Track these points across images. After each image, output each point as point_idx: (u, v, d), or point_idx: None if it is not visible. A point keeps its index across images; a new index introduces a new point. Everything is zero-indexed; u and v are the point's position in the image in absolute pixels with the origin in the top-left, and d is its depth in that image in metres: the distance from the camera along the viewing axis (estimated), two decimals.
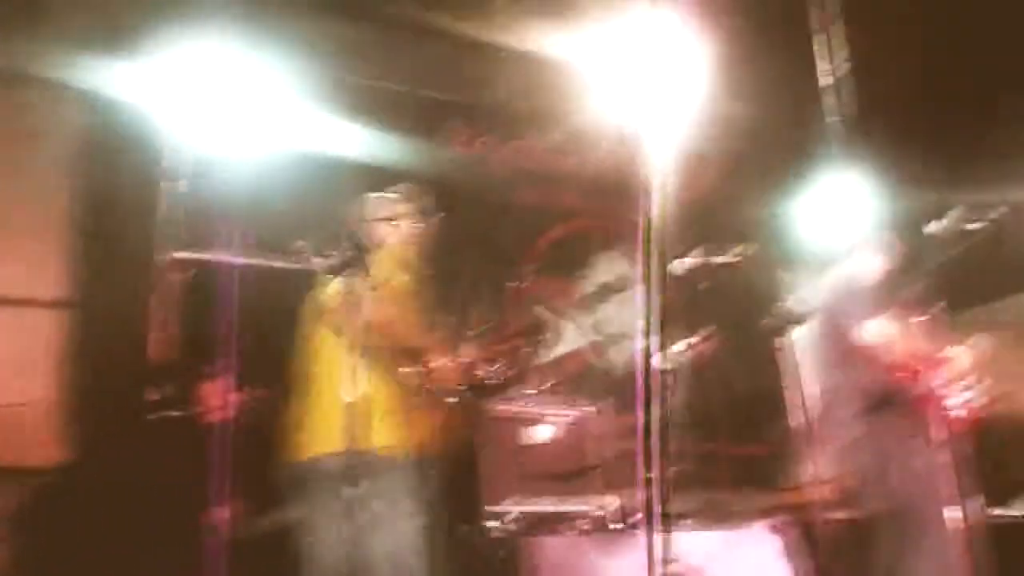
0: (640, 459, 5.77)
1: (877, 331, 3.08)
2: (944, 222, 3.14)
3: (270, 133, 5.29)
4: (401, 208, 3.67)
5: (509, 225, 6.23)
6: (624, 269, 6.55)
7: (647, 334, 6.15)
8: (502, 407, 4.27)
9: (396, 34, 6.27)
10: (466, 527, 4.04)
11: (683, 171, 6.85)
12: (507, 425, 4.16)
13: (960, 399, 3.21)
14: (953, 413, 3.14)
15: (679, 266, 3.40)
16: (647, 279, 3.56)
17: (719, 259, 3.30)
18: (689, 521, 4.48)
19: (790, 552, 3.23)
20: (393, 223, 3.74)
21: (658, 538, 4.05)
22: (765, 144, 7.23)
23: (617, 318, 6.36)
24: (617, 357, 6.31)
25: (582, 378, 6.14)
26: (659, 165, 6.83)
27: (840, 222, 4.17)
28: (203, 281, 4.95)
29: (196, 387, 5.20)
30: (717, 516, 5.18)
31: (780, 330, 2.98)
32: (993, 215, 3.11)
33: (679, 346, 3.36)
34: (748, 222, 7.01)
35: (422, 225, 3.73)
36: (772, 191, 7.01)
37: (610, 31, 6.04)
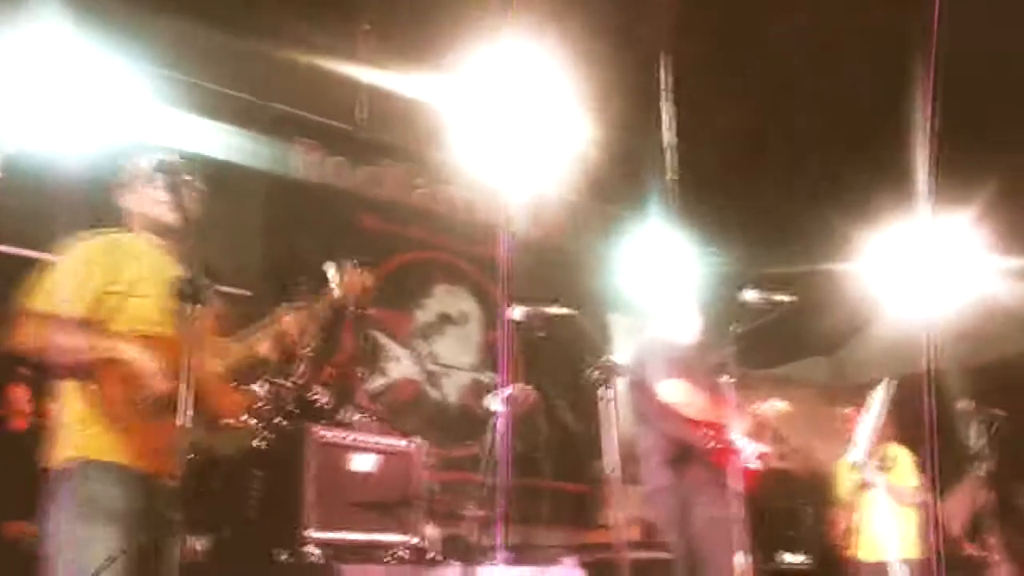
0: (462, 493, 5.89)
1: (674, 390, 3.34)
2: (754, 292, 3.44)
3: (108, 127, 5.13)
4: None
5: (351, 250, 6.24)
6: (463, 303, 6.70)
7: (486, 371, 6.29)
8: (329, 432, 4.28)
9: (257, 44, 6.22)
10: (282, 552, 4.01)
11: (531, 214, 7.13)
12: (333, 451, 4.17)
13: (755, 454, 3.51)
14: (749, 467, 3.43)
15: (518, 312, 3.55)
16: (498, 320, 3.73)
17: (553, 310, 3.47)
18: (502, 556, 4.64)
19: None
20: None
21: (471, 571, 4.19)
22: (604, 195, 7.60)
23: (452, 351, 6.48)
24: (450, 389, 6.43)
25: (414, 407, 6.21)
26: (511, 205, 7.08)
27: (661, 281, 4.45)
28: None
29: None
30: (530, 551, 5.37)
31: (603, 381, 3.18)
32: (792, 291, 3.43)
33: (511, 389, 3.50)
34: (582, 272, 7.35)
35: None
36: (604, 243, 7.38)
37: (471, 73, 6.24)
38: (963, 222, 7.25)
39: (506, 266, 6.41)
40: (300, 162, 6.31)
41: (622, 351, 4.23)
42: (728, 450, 3.27)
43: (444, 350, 6.46)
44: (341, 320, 5.78)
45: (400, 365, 6.22)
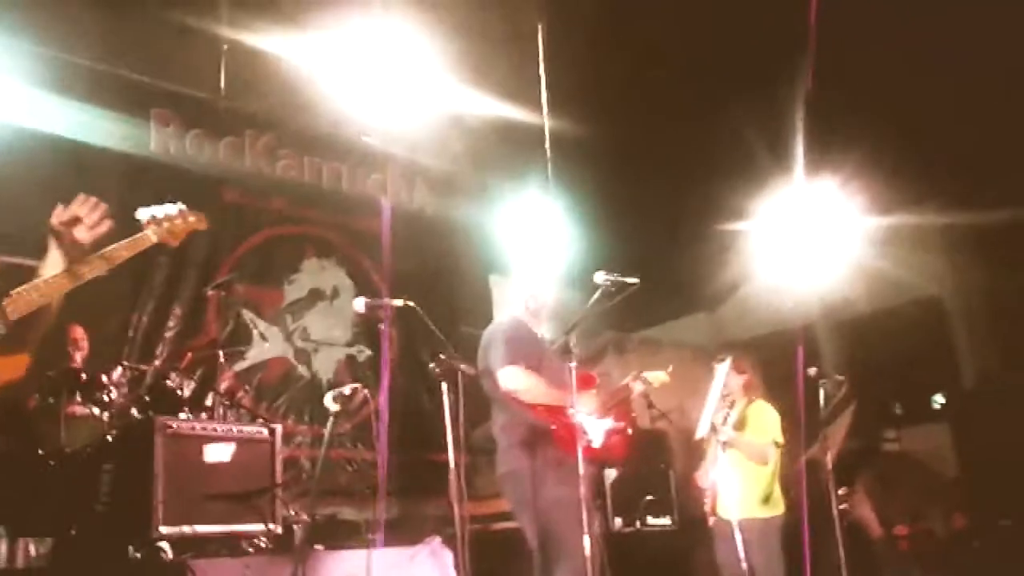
0: (336, 471, 5.80)
1: (511, 377, 3.35)
2: (603, 274, 3.44)
3: None
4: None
5: (214, 225, 6.03)
6: (334, 277, 6.57)
7: (359, 345, 6.16)
8: (185, 423, 4.14)
9: (108, 8, 5.89)
10: (136, 549, 3.89)
11: (405, 183, 6.99)
12: (184, 442, 4.03)
13: (603, 433, 3.55)
14: (595, 446, 3.47)
15: (359, 303, 3.48)
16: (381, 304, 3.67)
17: (397, 302, 3.42)
18: (376, 535, 4.61)
19: (459, 565, 3.43)
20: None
21: (336, 555, 4.15)
22: (480, 163, 7.53)
23: (324, 326, 6.36)
24: (322, 365, 6.31)
25: (284, 385, 6.09)
26: (383, 175, 6.92)
27: (523, 258, 4.43)
28: None
29: None
30: (406, 526, 5.37)
31: (443, 376, 3.16)
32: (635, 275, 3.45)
33: (347, 389, 3.43)
34: (458, 241, 7.30)
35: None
36: (481, 212, 7.33)
37: (342, 38, 6.04)
38: (836, 186, 7.48)
39: (387, 245, 6.30)
40: (158, 136, 6.03)
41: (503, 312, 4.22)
42: (572, 432, 3.29)
43: (315, 326, 6.33)
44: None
45: (269, 343, 6.07)
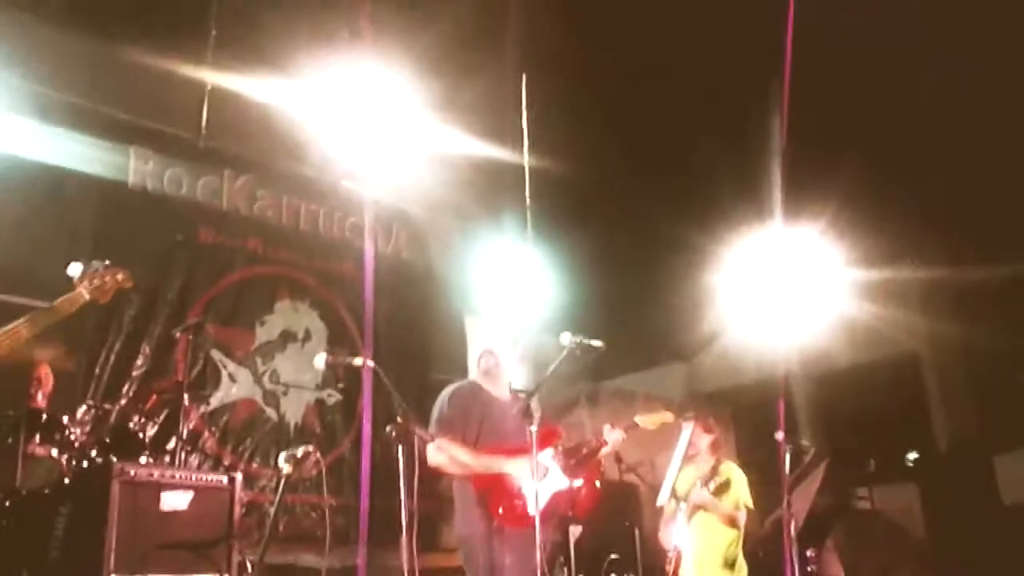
0: (300, 515, 5.73)
1: (433, 454, 3.40)
2: (569, 335, 3.46)
3: None
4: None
5: (186, 264, 6.03)
6: (307, 320, 6.54)
7: (328, 389, 6.12)
8: (143, 470, 4.09)
9: (95, 46, 5.92)
10: None
11: (382, 228, 6.98)
12: (141, 489, 3.98)
13: (549, 496, 3.53)
14: (541, 510, 3.45)
15: (319, 359, 3.48)
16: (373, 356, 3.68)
17: (356, 361, 3.42)
18: None
19: None
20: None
21: None
22: (459, 211, 7.57)
23: (294, 369, 6.32)
24: (290, 408, 6.27)
25: (251, 427, 6.04)
26: (361, 219, 6.91)
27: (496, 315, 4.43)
28: None
29: None
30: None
31: (398, 440, 3.16)
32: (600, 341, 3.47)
33: (299, 450, 3.43)
34: (433, 287, 7.30)
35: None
36: (457, 258, 7.36)
37: (324, 82, 6.10)
38: (816, 237, 7.53)
39: (370, 291, 6.31)
40: (137, 171, 6.03)
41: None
42: (510, 499, 3.29)
43: (285, 368, 6.29)
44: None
45: (238, 385, 6.03)
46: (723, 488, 4.55)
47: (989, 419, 9.56)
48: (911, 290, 10.54)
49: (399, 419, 3.29)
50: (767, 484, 5.57)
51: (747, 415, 9.84)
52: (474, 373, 3.84)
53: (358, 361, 3.46)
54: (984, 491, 8.63)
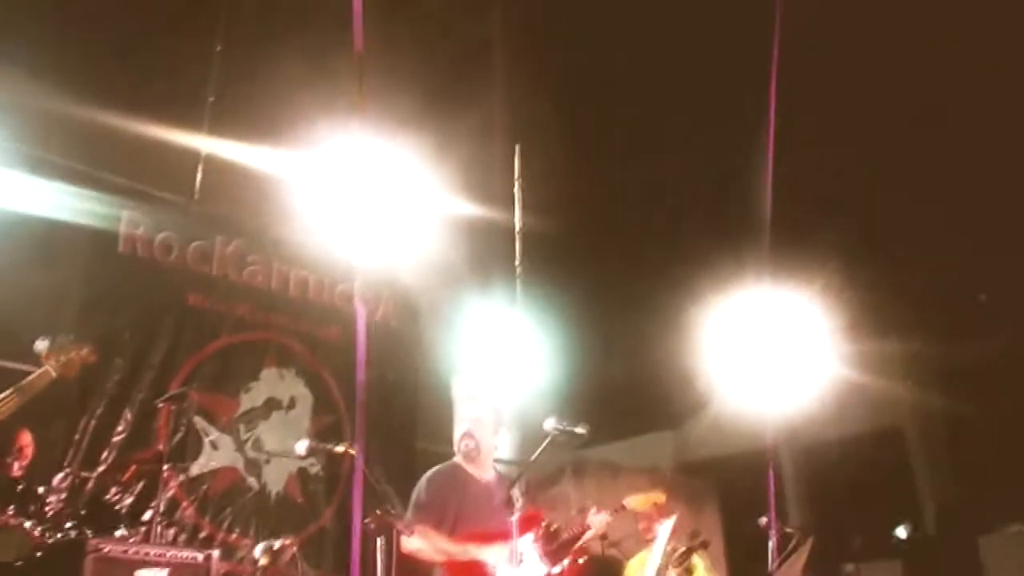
0: None
1: (407, 542, 3.39)
2: (553, 421, 3.47)
3: None
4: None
5: (173, 328, 6.02)
6: (293, 388, 6.52)
7: (311, 459, 6.05)
8: (117, 545, 4.03)
9: (89, 109, 5.98)
10: None
11: (373, 296, 7.00)
12: (113, 565, 3.92)
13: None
14: None
15: (301, 446, 3.46)
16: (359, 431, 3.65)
17: (339, 448, 3.41)
18: None
19: None
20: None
21: None
22: (449, 280, 7.59)
23: (278, 437, 6.27)
24: (273, 477, 6.20)
25: (231, 496, 5.96)
26: (352, 286, 6.93)
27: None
28: None
29: None
30: None
31: (378, 532, 3.14)
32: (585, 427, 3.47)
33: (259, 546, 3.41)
34: (423, 357, 7.29)
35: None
36: (449, 328, 7.36)
37: (317, 150, 6.16)
38: (805, 305, 7.55)
39: (362, 360, 6.28)
40: (127, 236, 6.05)
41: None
42: None
43: (269, 436, 6.24)
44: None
45: (220, 452, 5.98)
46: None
47: (973, 496, 9.52)
48: (896, 362, 10.57)
49: (379, 511, 3.27)
50: (753, 560, 5.52)
51: (735, 486, 9.77)
52: (457, 455, 3.83)
53: (340, 448, 3.44)
54: (969, 570, 8.56)
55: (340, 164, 6.23)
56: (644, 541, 4.60)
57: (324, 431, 6.44)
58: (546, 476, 7.75)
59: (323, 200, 6.30)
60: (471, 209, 7.38)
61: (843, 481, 9.82)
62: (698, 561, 4.61)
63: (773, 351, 7.47)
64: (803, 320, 7.51)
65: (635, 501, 4.33)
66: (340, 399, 6.64)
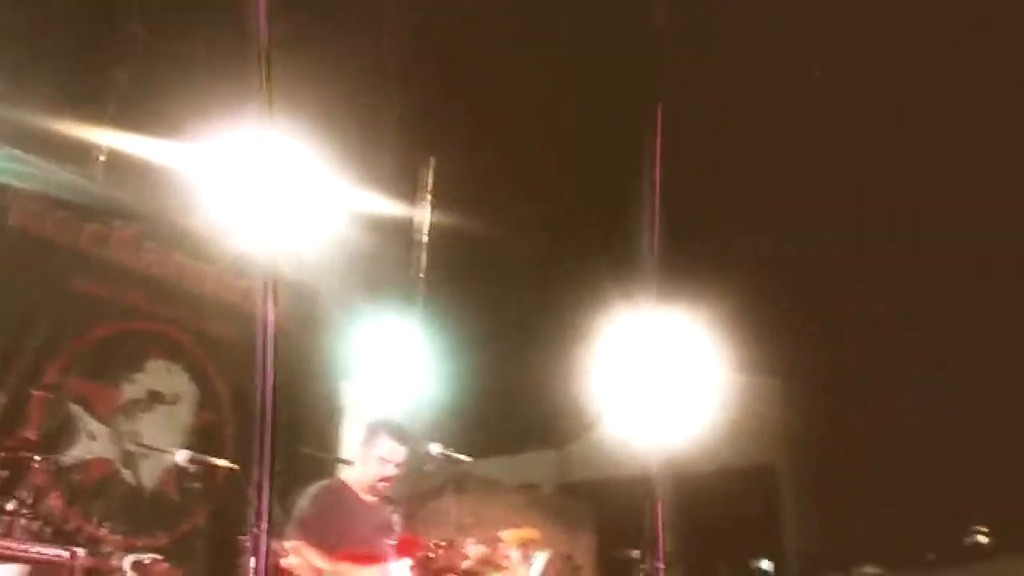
0: None
1: (287, 557, 3.41)
2: (438, 447, 3.54)
3: None
4: None
5: (55, 313, 5.82)
6: (178, 382, 6.39)
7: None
8: None
9: None
10: None
11: (269, 294, 6.93)
12: None
13: None
14: None
15: (180, 455, 3.42)
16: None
17: (221, 462, 3.39)
18: None
19: None
20: None
21: None
22: (348, 284, 7.57)
23: (158, 431, 6.13)
24: (147, 472, 6.06)
25: (102, 489, 5.80)
26: (250, 282, 6.85)
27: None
28: None
29: None
30: None
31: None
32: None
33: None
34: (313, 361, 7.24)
35: None
36: (341, 335, 7.34)
37: (223, 148, 6.06)
38: (694, 337, 7.78)
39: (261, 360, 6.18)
40: (21, 208, 5.83)
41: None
42: None
43: (149, 430, 6.09)
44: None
45: (96, 443, 5.80)
46: None
47: (834, 537, 10.01)
48: (776, 401, 11.02)
49: (255, 526, 3.25)
50: None
51: (612, 510, 10.02)
52: (349, 472, 3.83)
53: (223, 462, 3.42)
54: None
55: (246, 160, 6.15)
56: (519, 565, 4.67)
57: (206, 429, 6.34)
58: (426, 491, 7.80)
59: (227, 195, 6.21)
60: (376, 216, 7.40)
61: (715, 513, 10.17)
62: None
63: (660, 379, 7.70)
64: (691, 351, 7.77)
65: (510, 535, 4.42)
66: (225, 398, 6.54)
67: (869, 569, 10.93)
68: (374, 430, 3.83)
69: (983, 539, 12.16)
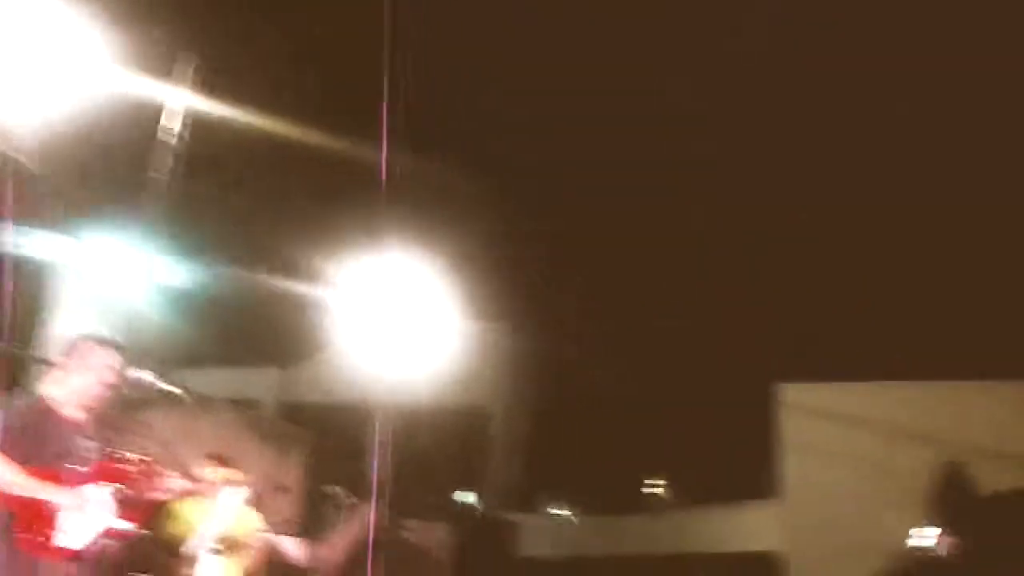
0: None
1: None
2: (149, 374, 3.36)
3: None
4: None
5: None
6: None
7: None
8: None
9: None
10: None
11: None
12: None
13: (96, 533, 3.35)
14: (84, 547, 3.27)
15: None
16: None
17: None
18: None
19: None
20: None
21: None
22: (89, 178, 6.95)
23: None
24: None
25: None
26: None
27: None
28: None
29: None
30: None
31: None
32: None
33: None
34: None
35: None
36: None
37: None
38: (433, 278, 7.87)
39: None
40: None
41: None
42: (38, 526, 3.10)
43: None
44: None
45: None
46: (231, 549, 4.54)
47: (532, 479, 10.76)
48: (498, 347, 11.46)
49: None
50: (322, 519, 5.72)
51: (330, 436, 10.07)
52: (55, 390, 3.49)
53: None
54: (506, 544, 9.59)
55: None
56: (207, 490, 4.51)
57: None
58: (133, 404, 7.39)
59: None
60: (133, 106, 6.79)
61: (428, 448, 10.50)
62: (254, 514, 4.64)
63: (393, 315, 7.75)
64: (425, 292, 7.86)
65: (215, 474, 4.27)
66: None
67: (559, 511, 11.85)
68: (87, 342, 3.50)
69: (659, 492, 13.59)
